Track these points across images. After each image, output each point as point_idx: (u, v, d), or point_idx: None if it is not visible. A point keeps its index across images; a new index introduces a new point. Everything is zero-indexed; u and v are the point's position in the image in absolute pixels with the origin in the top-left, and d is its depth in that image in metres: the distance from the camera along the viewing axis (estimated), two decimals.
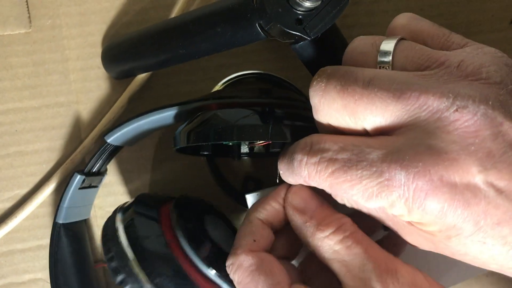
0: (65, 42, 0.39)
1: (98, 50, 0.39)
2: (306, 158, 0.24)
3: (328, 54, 0.29)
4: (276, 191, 0.28)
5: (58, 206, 0.36)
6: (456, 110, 0.21)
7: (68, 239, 0.37)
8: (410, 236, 0.25)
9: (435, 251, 0.25)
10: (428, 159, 0.21)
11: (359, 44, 0.26)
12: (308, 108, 0.29)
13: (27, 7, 0.38)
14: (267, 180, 0.41)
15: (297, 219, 0.26)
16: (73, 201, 0.36)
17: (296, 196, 0.27)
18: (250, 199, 0.33)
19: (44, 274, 0.40)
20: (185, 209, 0.34)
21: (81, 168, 0.39)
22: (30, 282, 0.40)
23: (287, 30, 0.27)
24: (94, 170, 0.37)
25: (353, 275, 0.24)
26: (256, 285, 0.25)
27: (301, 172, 0.24)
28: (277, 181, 0.28)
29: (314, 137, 0.25)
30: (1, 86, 0.39)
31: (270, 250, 0.28)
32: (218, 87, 0.38)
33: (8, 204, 0.39)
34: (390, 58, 0.25)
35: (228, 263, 0.27)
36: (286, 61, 0.40)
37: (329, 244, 0.25)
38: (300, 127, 0.28)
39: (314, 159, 0.24)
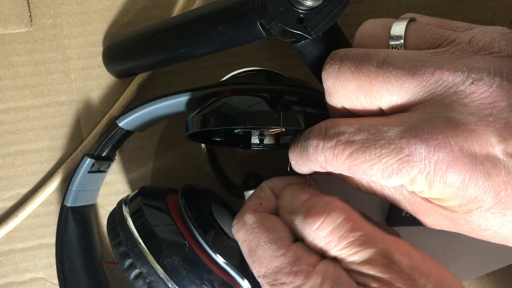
0: (66, 41, 0.39)
1: (99, 49, 0.39)
2: (322, 143, 0.24)
3: (330, 53, 0.29)
4: (289, 177, 0.29)
5: (67, 189, 0.36)
6: (472, 83, 0.21)
7: (75, 223, 0.37)
8: (428, 216, 0.25)
9: (454, 230, 0.25)
10: (447, 130, 0.21)
11: (369, 27, 0.26)
12: (320, 96, 0.29)
13: (28, 6, 0.38)
14: (267, 177, 0.41)
15: (287, 219, 0.26)
16: (82, 185, 0.36)
17: (284, 197, 0.27)
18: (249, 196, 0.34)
19: (45, 273, 0.40)
20: (193, 196, 0.34)
21: None
22: (31, 281, 0.40)
23: (288, 29, 0.27)
24: (103, 155, 0.37)
25: (351, 261, 0.24)
26: (259, 241, 0.26)
27: (318, 158, 0.24)
28: (288, 169, 0.28)
29: (328, 122, 0.25)
30: (2, 85, 0.39)
31: None
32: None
33: (9, 203, 0.39)
34: (402, 38, 0.25)
35: (233, 223, 0.28)
36: (287, 60, 0.40)
37: (321, 236, 0.24)
38: (314, 115, 0.28)
39: (331, 143, 0.24)
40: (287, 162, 0.28)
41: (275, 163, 0.40)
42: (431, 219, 0.25)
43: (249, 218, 0.27)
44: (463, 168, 0.21)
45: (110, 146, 0.36)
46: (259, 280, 0.26)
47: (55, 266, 0.40)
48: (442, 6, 0.41)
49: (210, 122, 0.29)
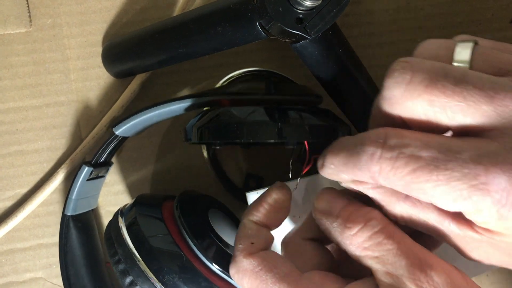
0: (66, 41, 0.39)
1: (99, 49, 0.39)
2: (380, 152, 0.22)
3: (329, 53, 0.29)
4: (267, 192, 0.28)
5: (67, 198, 0.36)
6: None
7: (76, 231, 0.37)
8: (477, 251, 0.23)
9: (508, 266, 0.23)
10: None
11: (432, 47, 0.25)
12: (318, 101, 0.29)
13: (28, 6, 0.38)
14: (268, 177, 0.41)
15: (324, 222, 0.25)
16: (81, 193, 0.36)
17: (321, 200, 0.26)
18: (251, 197, 0.34)
19: (44, 273, 0.40)
20: (188, 205, 0.34)
21: None
22: (30, 281, 0.40)
23: (288, 29, 0.27)
24: (101, 161, 0.37)
25: (386, 271, 0.23)
26: (267, 283, 0.25)
27: (371, 167, 0.22)
28: (290, 176, 0.28)
29: (389, 130, 0.23)
30: (1, 85, 0.39)
31: (299, 232, 0.28)
32: (219, 85, 0.38)
33: (8, 203, 0.39)
34: (468, 62, 0.23)
35: (232, 272, 0.26)
36: (286, 60, 0.40)
37: (358, 241, 0.23)
38: (313, 125, 0.28)
39: (391, 154, 0.22)
40: (287, 162, 0.28)
41: (276, 163, 0.40)
42: (481, 253, 0.23)
43: (248, 263, 0.26)
44: None
45: (108, 152, 0.36)
46: None
47: (54, 266, 0.40)
48: (441, 6, 0.41)
49: (209, 135, 0.29)
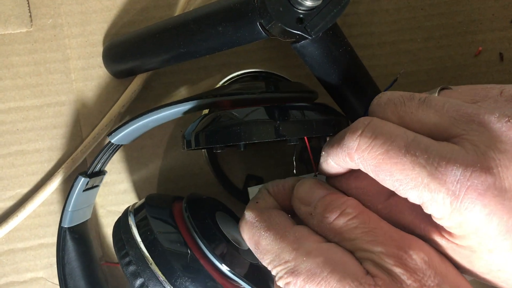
0: (66, 41, 0.39)
1: (99, 49, 0.39)
2: (362, 131, 0.24)
3: (329, 53, 0.29)
4: (293, 178, 0.30)
5: (63, 210, 0.36)
6: (508, 120, 0.23)
7: (73, 242, 0.36)
8: (448, 256, 0.24)
9: (470, 272, 0.24)
10: (484, 162, 0.22)
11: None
12: (313, 98, 0.29)
13: (28, 6, 0.38)
14: (268, 177, 0.41)
15: (302, 211, 0.27)
16: (77, 204, 0.36)
17: (301, 189, 0.28)
18: (252, 192, 0.34)
19: (45, 273, 0.40)
20: (197, 207, 0.34)
21: (82, 167, 0.39)
22: (31, 280, 0.40)
23: (288, 29, 0.27)
24: (96, 170, 0.36)
25: (364, 256, 0.24)
26: (260, 232, 0.27)
27: (350, 143, 0.24)
28: (294, 172, 0.29)
29: (375, 119, 0.25)
30: (2, 85, 0.39)
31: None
32: (219, 86, 0.38)
33: (9, 203, 0.39)
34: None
35: (239, 225, 0.29)
36: (287, 60, 0.40)
37: (335, 228, 0.25)
38: (313, 121, 0.28)
39: (371, 133, 0.24)
40: (288, 162, 0.29)
41: (277, 164, 0.40)
42: (453, 259, 0.25)
43: (248, 216, 0.28)
44: (492, 199, 0.21)
45: (103, 161, 0.36)
46: (270, 269, 0.26)
47: (55, 266, 0.40)
48: (441, 6, 0.41)
49: (209, 140, 0.28)
